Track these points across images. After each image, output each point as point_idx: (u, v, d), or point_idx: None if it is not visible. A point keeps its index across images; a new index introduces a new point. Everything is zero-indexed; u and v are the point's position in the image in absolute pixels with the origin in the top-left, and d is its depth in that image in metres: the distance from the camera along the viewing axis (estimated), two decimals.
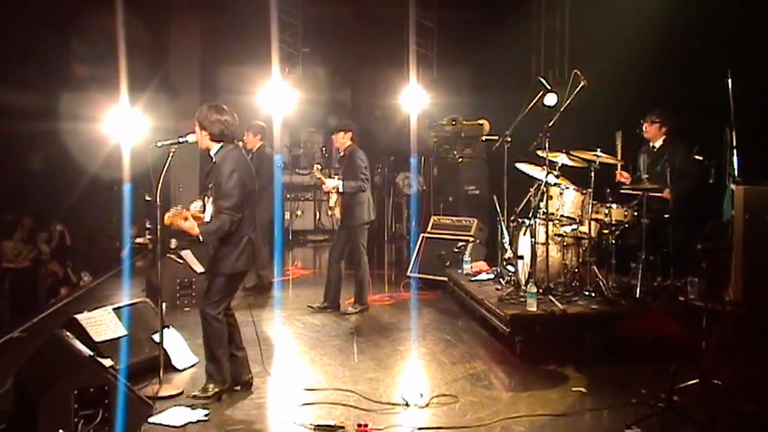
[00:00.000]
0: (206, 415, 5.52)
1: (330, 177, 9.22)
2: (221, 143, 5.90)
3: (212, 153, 5.92)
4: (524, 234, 8.14)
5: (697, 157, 7.73)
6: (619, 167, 8.21)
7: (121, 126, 10.42)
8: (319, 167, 9.21)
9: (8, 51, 12.01)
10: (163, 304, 6.58)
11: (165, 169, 5.90)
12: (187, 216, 5.73)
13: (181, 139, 5.97)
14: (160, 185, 5.87)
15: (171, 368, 6.55)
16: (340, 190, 8.67)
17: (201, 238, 5.78)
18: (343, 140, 8.84)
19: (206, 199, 5.92)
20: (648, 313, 7.28)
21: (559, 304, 7.25)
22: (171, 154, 5.94)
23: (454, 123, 12.14)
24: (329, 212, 9.18)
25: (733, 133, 7.11)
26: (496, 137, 9.70)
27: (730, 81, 7.08)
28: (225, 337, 5.95)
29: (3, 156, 13.08)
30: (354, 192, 8.66)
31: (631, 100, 9.25)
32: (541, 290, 7.47)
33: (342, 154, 8.98)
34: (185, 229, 5.76)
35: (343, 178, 8.72)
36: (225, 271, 5.89)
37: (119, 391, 5.12)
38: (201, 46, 15.41)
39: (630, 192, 8.05)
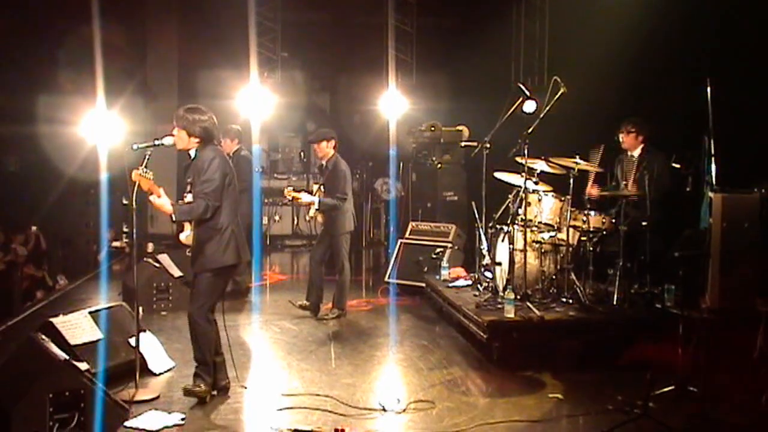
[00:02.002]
0: (182, 419, 5.49)
1: (307, 185, 9.16)
2: (201, 143, 5.87)
3: (192, 153, 5.90)
4: (502, 240, 8.15)
5: (675, 165, 7.78)
6: (591, 179, 8.25)
7: (98, 129, 10.36)
8: (291, 189, 9.10)
9: None
10: (140, 308, 6.53)
11: (141, 165, 5.87)
12: (160, 193, 5.67)
13: (157, 142, 5.93)
14: (136, 188, 5.82)
15: (147, 372, 6.51)
16: (316, 207, 8.64)
17: (173, 218, 5.74)
18: (326, 150, 8.76)
19: (185, 195, 5.87)
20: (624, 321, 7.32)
21: (537, 311, 7.26)
22: (147, 157, 5.89)
23: (433, 129, 12.15)
24: (307, 218, 9.13)
25: (711, 141, 7.17)
26: (475, 143, 9.74)
27: (708, 89, 7.14)
28: (213, 340, 5.93)
29: None
30: (330, 209, 8.64)
31: (610, 108, 9.31)
32: (518, 297, 7.47)
33: (324, 164, 8.90)
34: (157, 206, 5.73)
35: (326, 189, 8.69)
36: (211, 267, 5.83)
37: (95, 395, 5.10)
38: (179, 50, 15.39)
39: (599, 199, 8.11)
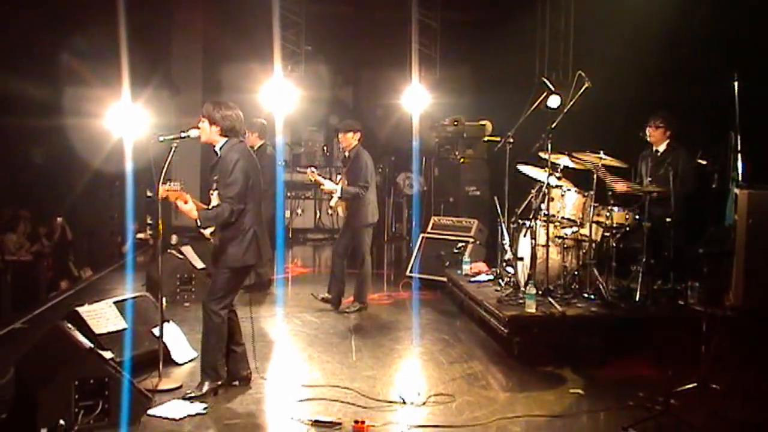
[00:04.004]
0: (204, 409, 5.54)
1: (330, 178, 9.18)
2: (227, 138, 5.91)
3: (217, 147, 5.93)
4: (524, 236, 8.14)
5: (701, 161, 7.71)
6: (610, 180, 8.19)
7: (123, 122, 10.42)
8: (314, 170, 9.18)
9: (11, 46, 12.02)
10: (163, 299, 6.58)
11: (167, 164, 5.91)
12: (187, 199, 5.72)
13: (183, 134, 5.97)
14: (161, 181, 5.87)
15: (170, 362, 6.57)
16: (338, 195, 8.69)
17: (198, 223, 5.78)
18: (351, 140, 8.81)
19: (212, 193, 5.92)
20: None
21: (558, 306, 7.25)
22: (173, 150, 5.95)
23: (456, 123, 12.14)
24: (330, 211, 9.16)
25: (738, 137, 7.11)
26: (498, 138, 9.71)
27: (735, 84, 7.08)
28: (224, 334, 5.94)
29: (5, 151, 13.08)
30: (352, 198, 8.68)
31: (635, 103, 9.25)
32: (540, 292, 7.47)
33: (347, 154, 8.95)
34: (184, 212, 5.76)
35: (348, 179, 8.74)
36: (232, 266, 5.88)
37: (119, 383, 5.17)
38: (203, 43, 15.45)
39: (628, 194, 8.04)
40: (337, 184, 8.83)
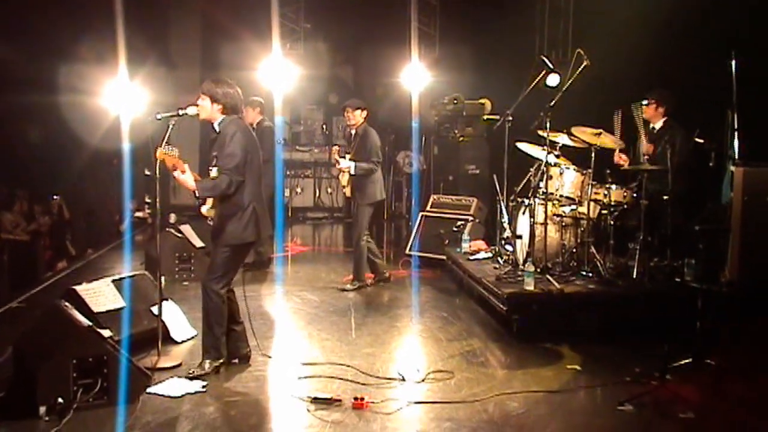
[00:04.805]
0: (204, 387, 5.56)
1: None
2: (224, 114, 5.90)
3: (216, 124, 5.92)
4: (523, 213, 8.15)
5: (698, 139, 7.70)
6: (617, 150, 8.19)
7: (121, 99, 10.40)
8: (338, 148, 9.24)
9: (7, 24, 11.95)
10: (162, 278, 6.60)
11: (164, 142, 5.90)
12: (185, 168, 5.70)
13: (180, 112, 5.95)
14: (161, 166, 5.85)
15: (169, 340, 6.60)
16: (352, 172, 8.72)
17: (197, 194, 5.78)
18: (358, 118, 8.88)
19: (210, 169, 5.90)
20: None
21: (557, 284, 7.27)
22: (171, 127, 5.93)
23: (455, 102, 12.10)
24: (343, 190, 9.19)
25: (735, 115, 7.10)
26: (497, 116, 9.69)
27: (733, 62, 7.06)
28: (225, 312, 5.95)
29: (2, 129, 13.04)
30: (365, 173, 8.71)
31: (634, 81, 9.22)
32: (538, 270, 7.49)
33: (354, 132, 8.97)
34: (180, 182, 5.76)
35: (355, 157, 8.78)
36: (231, 243, 5.87)
37: (118, 361, 5.19)
38: (201, 20, 15.37)
39: (630, 170, 8.04)
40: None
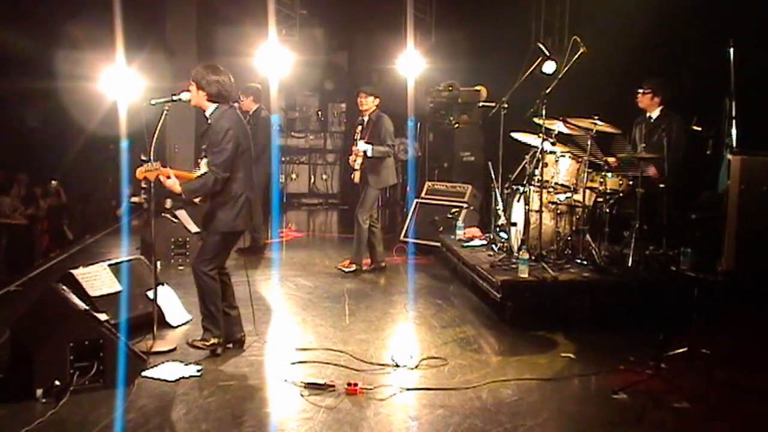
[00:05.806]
0: (199, 371, 5.58)
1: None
2: (217, 104, 5.89)
3: (207, 113, 5.91)
4: (518, 201, 8.16)
5: (695, 128, 7.70)
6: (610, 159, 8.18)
7: (118, 85, 10.37)
8: (360, 128, 9.22)
9: (6, 10, 11.92)
10: (158, 262, 6.60)
11: (158, 127, 5.89)
12: (169, 173, 5.73)
13: (174, 97, 5.95)
14: (153, 144, 5.85)
15: (165, 324, 6.63)
16: (369, 154, 8.76)
17: (184, 197, 5.80)
18: (372, 104, 8.96)
19: (200, 160, 5.91)
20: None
21: (551, 271, 7.28)
22: (165, 113, 5.93)
23: (450, 89, 12.09)
24: (352, 174, 9.22)
25: (733, 103, 7.10)
26: (492, 104, 9.69)
27: (731, 50, 7.06)
28: (218, 293, 5.98)
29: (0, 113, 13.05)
30: (381, 156, 8.77)
31: (630, 68, 9.22)
32: (533, 257, 7.50)
33: (367, 117, 9.00)
34: (167, 187, 5.78)
35: (370, 142, 8.81)
36: (222, 230, 5.90)
37: (114, 344, 5.20)
38: (197, 6, 15.28)
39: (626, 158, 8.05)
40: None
